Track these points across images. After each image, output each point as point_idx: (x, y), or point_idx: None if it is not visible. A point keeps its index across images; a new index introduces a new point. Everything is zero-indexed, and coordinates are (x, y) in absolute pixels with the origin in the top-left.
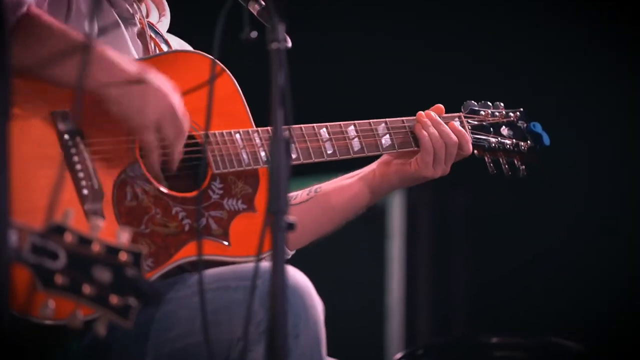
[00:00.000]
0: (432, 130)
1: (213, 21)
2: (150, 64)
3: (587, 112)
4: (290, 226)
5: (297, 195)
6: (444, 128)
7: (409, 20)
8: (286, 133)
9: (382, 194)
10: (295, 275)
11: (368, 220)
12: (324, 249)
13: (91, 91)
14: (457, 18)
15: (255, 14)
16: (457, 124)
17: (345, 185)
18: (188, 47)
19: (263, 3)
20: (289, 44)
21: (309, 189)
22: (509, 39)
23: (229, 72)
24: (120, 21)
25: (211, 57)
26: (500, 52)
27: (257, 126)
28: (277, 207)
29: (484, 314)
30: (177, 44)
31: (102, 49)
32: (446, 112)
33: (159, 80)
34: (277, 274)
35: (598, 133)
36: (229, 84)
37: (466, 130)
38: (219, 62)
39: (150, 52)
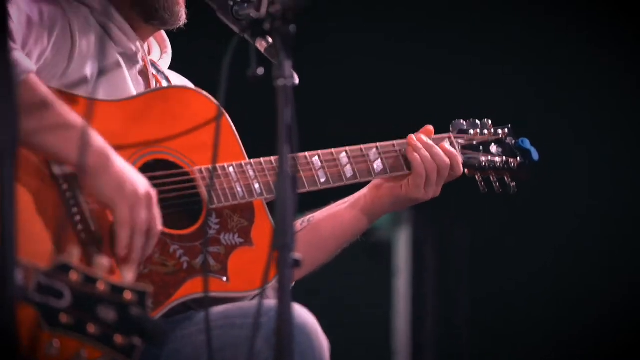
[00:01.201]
0: (424, 152)
1: (220, 58)
2: (149, 98)
3: (587, 113)
4: (297, 262)
5: None
6: (436, 150)
7: (394, 39)
8: (292, 169)
9: (375, 218)
10: (302, 313)
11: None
12: (330, 286)
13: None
14: (454, 19)
15: (262, 50)
16: (447, 144)
17: (337, 213)
18: (189, 84)
19: (270, 40)
20: (296, 81)
21: (301, 219)
22: (507, 39)
23: (223, 109)
24: (121, 61)
25: (211, 97)
26: (497, 53)
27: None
28: (283, 243)
29: (490, 350)
30: (179, 81)
31: (86, 130)
32: (436, 128)
33: (138, 178)
34: (283, 312)
35: (599, 138)
36: (224, 122)
37: (456, 151)
38: (214, 99)
39: (152, 88)
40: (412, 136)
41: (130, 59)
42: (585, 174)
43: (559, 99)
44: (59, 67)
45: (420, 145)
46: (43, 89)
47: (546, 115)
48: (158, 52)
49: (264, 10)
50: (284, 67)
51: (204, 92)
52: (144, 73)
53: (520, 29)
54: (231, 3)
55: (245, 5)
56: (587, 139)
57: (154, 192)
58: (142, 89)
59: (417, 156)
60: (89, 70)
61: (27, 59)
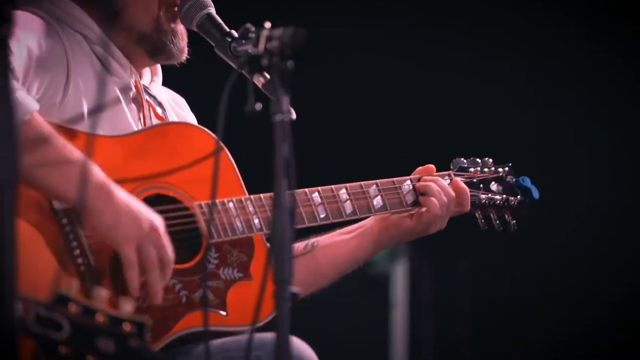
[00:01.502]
0: (434, 187)
1: (218, 93)
2: (149, 134)
3: (587, 110)
4: (294, 296)
5: (294, 247)
6: (444, 185)
7: (392, 35)
8: (290, 202)
9: (380, 250)
10: (300, 346)
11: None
12: (328, 319)
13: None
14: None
15: (260, 86)
16: (447, 180)
17: (343, 241)
18: (181, 101)
19: (268, 76)
20: (293, 116)
21: (306, 241)
22: (506, 36)
23: (222, 144)
24: (120, 95)
25: (210, 132)
26: (496, 49)
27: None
28: (281, 276)
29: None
30: (170, 97)
31: (87, 166)
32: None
33: (142, 210)
34: (282, 345)
35: (599, 136)
36: (223, 157)
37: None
38: (212, 134)
39: (145, 116)
40: (427, 178)
41: (124, 87)
42: (585, 173)
43: (558, 96)
44: (55, 98)
45: (435, 188)
46: (45, 127)
47: (545, 113)
48: (149, 77)
49: (261, 46)
50: (281, 102)
51: (203, 128)
52: (136, 100)
53: (520, 26)
54: (229, 39)
55: (243, 41)
56: (587, 138)
57: (160, 222)
58: (135, 116)
59: (435, 200)
60: (85, 103)
61: (29, 98)
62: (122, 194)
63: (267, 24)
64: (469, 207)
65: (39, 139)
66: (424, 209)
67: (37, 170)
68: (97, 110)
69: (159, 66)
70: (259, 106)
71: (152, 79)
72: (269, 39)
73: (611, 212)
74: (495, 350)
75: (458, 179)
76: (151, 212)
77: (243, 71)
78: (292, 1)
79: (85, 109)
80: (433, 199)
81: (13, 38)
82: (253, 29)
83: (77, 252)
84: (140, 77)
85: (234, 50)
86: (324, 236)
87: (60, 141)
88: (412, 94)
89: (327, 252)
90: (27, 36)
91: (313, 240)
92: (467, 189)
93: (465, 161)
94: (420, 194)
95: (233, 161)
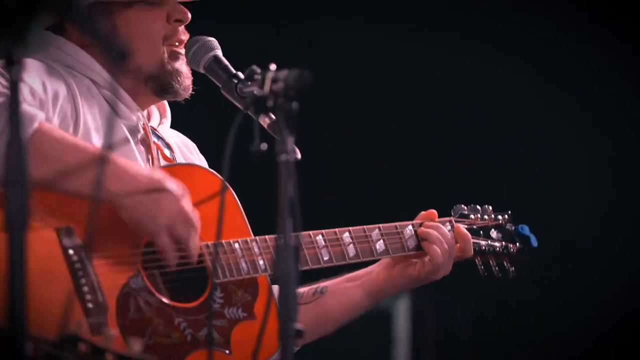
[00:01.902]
0: (436, 234)
1: (225, 134)
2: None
3: (587, 113)
4: (299, 333)
5: (304, 293)
6: (445, 232)
7: (393, 39)
8: (295, 241)
9: (386, 296)
10: None
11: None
12: (330, 356)
13: (104, 200)
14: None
15: (265, 126)
16: (448, 226)
17: (349, 288)
18: (190, 144)
19: (273, 117)
20: (298, 156)
21: (315, 287)
22: (507, 39)
23: (230, 187)
24: (129, 135)
25: (215, 173)
26: (497, 53)
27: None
28: (285, 314)
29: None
30: (180, 140)
31: (113, 159)
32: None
33: (169, 183)
34: None
35: (599, 137)
36: (229, 197)
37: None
38: (218, 175)
39: (153, 157)
40: (428, 224)
41: (132, 129)
42: (585, 174)
43: (558, 98)
44: None
45: (432, 227)
46: (58, 132)
47: (546, 115)
48: (158, 118)
49: (267, 88)
50: (286, 142)
51: (209, 169)
52: (144, 141)
53: (521, 29)
54: (235, 81)
55: (249, 83)
56: (587, 139)
57: (179, 191)
58: (144, 157)
59: (431, 237)
60: (95, 143)
61: (33, 108)
62: (142, 179)
63: (273, 66)
64: (472, 253)
65: (55, 145)
66: (427, 258)
67: (60, 177)
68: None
69: (168, 109)
70: (264, 146)
71: (160, 121)
72: (274, 80)
73: (611, 212)
74: (499, 334)
75: (446, 226)
76: (173, 185)
77: (249, 112)
78: (294, 7)
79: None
80: (435, 247)
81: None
82: (259, 70)
83: (86, 289)
84: (149, 119)
85: (240, 91)
86: (332, 281)
87: (75, 143)
88: (412, 95)
89: (336, 299)
90: (31, 78)
91: (322, 285)
92: (469, 235)
93: (465, 208)
94: (422, 240)
95: (239, 202)
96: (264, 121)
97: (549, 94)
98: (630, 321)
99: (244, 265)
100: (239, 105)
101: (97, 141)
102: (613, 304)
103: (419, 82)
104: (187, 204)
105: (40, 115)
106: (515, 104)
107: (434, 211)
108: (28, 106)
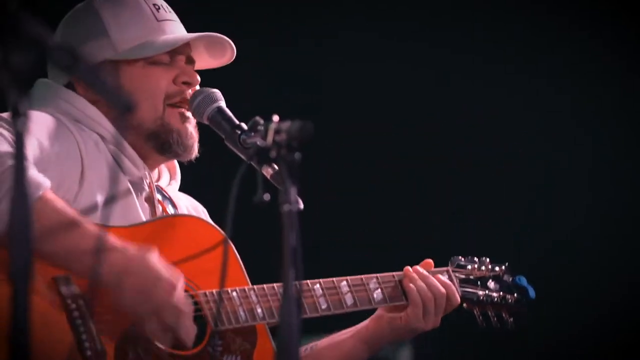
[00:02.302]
0: (420, 283)
1: (228, 184)
2: (157, 225)
3: (588, 112)
4: None
5: None
6: (431, 281)
7: (395, 39)
8: (297, 292)
9: (376, 349)
10: None
11: None
12: None
13: (89, 278)
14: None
15: (268, 177)
16: (445, 277)
17: (340, 342)
18: (199, 206)
19: (276, 167)
20: (301, 206)
21: (305, 346)
22: (508, 38)
23: (223, 232)
24: (131, 188)
25: (215, 225)
26: (499, 52)
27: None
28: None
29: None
30: (189, 203)
31: (110, 242)
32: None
33: (162, 271)
34: None
35: (599, 137)
36: (228, 248)
37: (454, 283)
38: (218, 228)
39: (156, 213)
40: (409, 268)
41: (137, 186)
42: (585, 173)
43: (559, 98)
44: (71, 192)
45: (416, 276)
46: (59, 204)
47: (546, 115)
48: (167, 178)
49: (270, 139)
50: (289, 193)
51: (210, 221)
52: (149, 199)
53: (523, 28)
54: (239, 132)
55: (252, 134)
56: (587, 139)
57: (175, 292)
58: (147, 215)
59: (413, 286)
60: (99, 196)
61: (41, 175)
62: (134, 264)
63: (275, 117)
64: (457, 301)
65: (55, 218)
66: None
67: (55, 247)
68: (109, 202)
69: (178, 170)
70: (267, 197)
71: (170, 182)
72: (277, 131)
73: (611, 212)
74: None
75: (443, 276)
76: (163, 270)
77: (252, 162)
78: (295, 6)
79: (99, 203)
80: (412, 285)
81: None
82: (262, 122)
83: (85, 336)
84: (159, 178)
85: (244, 142)
86: (322, 340)
87: (75, 219)
88: (412, 95)
89: (326, 354)
90: (38, 131)
91: (312, 344)
92: (450, 283)
93: (462, 259)
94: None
95: (237, 253)
96: (267, 172)
97: (549, 94)
98: (630, 321)
99: (242, 313)
100: (242, 156)
101: (100, 199)
102: (613, 304)
103: (419, 82)
104: (179, 293)
105: (46, 184)
106: (515, 104)
107: (430, 261)
108: (36, 172)
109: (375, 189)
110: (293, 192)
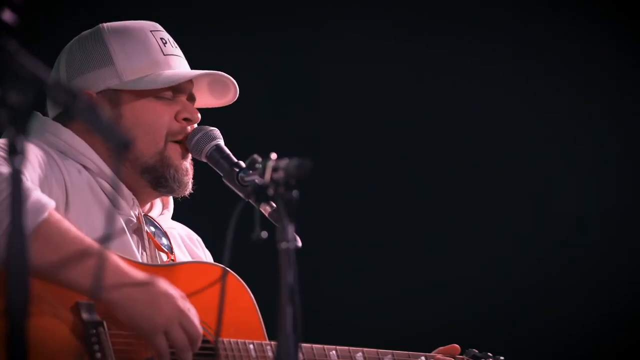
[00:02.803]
0: None
1: (226, 222)
2: (162, 273)
3: (588, 113)
4: None
5: None
6: None
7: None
8: (295, 335)
9: None
10: None
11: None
12: None
13: (98, 297)
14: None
15: (266, 215)
16: None
17: None
18: (195, 237)
19: (274, 205)
20: (299, 244)
21: None
22: (507, 38)
23: (246, 286)
24: (125, 227)
25: (222, 266)
26: (497, 52)
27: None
28: None
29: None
30: (184, 233)
31: (111, 257)
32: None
33: (166, 285)
34: None
35: (600, 137)
36: (246, 297)
37: None
38: (237, 276)
39: (145, 246)
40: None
41: (127, 220)
42: (585, 173)
43: (559, 98)
44: None
45: None
46: (65, 224)
47: (546, 115)
48: (159, 209)
49: (267, 177)
50: (287, 230)
51: (210, 262)
52: (138, 230)
53: (521, 28)
54: (237, 170)
55: (250, 172)
56: (587, 139)
57: (180, 296)
58: (136, 245)
59: None
60: (83, 225)
61: (45, 196)
62: (140, 279)
63: (273, 155)
64: None
65: (61, 237)
66: None
67: (60, 268)
68: (105, 241)
69: (171, 200)
70: (265, 234)
71: (162, 211)
72: (274, 169)
73: (611, 212)
74: (494, 314)
75: None
76: (171, 287)
77: (250, 200)
78: (293, 6)
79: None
80: None
81: None
82: (260, 159)
83: (97, 348)
84: (151, 209)
85: (242, 180)
86: None
87: (80, 236)
88: (411, 95)
89: None
90: (30, 161)
91: None
92: None
93: (477, 352)
94: None
95: (255, 303)
96: (265, 209)
97: (548, 94)
98: (630, 321)
99: None
100: (240, 194)
101: (85, 230)
102: (613, 304)
103: (418, 81)
104: (186, 306)
105: (51, 205)
106: (515, 104)
107: (457, 346)
108: (39, 193)
109: (374, 189)
110: (291, 229)
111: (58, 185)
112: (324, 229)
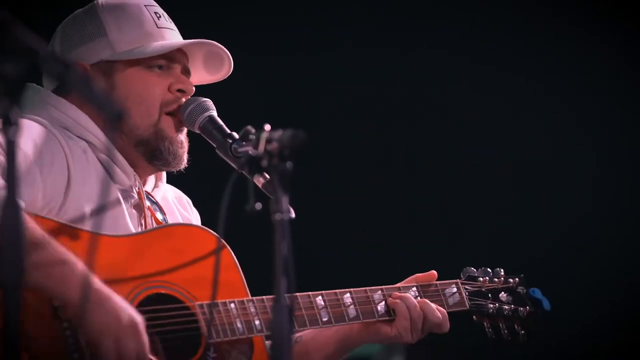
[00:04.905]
0: (406, 312)
1: (219, 194)
2: (153, 235)
3: (588, 113)
4: None
5: None
6: (427, 306)
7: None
8: (289, 301)
9: (357, 345)
10: None
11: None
12: None
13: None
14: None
15: (260, 186)
16: (454, 289)
17: (322, 337)
18: (184, 198)
19: (268, 176)
20: (292, 215)
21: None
22: (507, 37)
23: (228, 246)
24: (121, 198)
25: (212, 232)
26: (498, 52)
27: (261, 294)
28: None
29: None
30: (175, 195)
31: (73, 263)
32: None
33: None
34: None
35: (600, 137)
36: (227, 256)
37: (463, 296)
38: (220, 238)
39: (146, 221)
40: (397, 296)
41: (126, 194)
42: (585, 173)
43: (559, 98)
44: (55, 202)
45: (401, 306)
46: (31, 225)
47: (546, 115)
48: (152, 183)
49: (261, 148)
50: (280, 202)
51: (206, 228)
52: (138, 206)
53: (521, 28)
54: (230, 141)
55: (244, 143)
56: (587, 138)
57: (139, 319)
58: (136, 222)
59: (402, 319)
60: (87, 206)
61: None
62: (103, 291)
63: (267, 126)
64: (447, 329)
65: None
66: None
67: (31, 271)
68: (98, 212)
69: (163, 175)
70: (259, 206)
71: (156, 184)
72: (268, 140)
73: (611, 212)
74: None
75: (452, 288)
76: (132, 309)
77: (243, 172)
78: (292, 5)
79: (87, 213)
80: (400, 316)
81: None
82: (253, 131)
83: (73, 347)
84: (144, 183)
85: (235, 151)
86: (306, 331)
87: (50, 242)
88: (411, 94)
89: (314, 343)
90: (24, 142)
91: (297, 335)
92: (444, 311)
93: (475, 271)
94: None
95: (236, 261)
96: (259, 181)
97: (548, 94)
98: (630, 321)
99: (239, 325)
100: (233, 165)
101: (88, 209)
102: (613, 304)
103: (418, 80)
104: (145, 339)
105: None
106: (515, 104)
107: (434, 272)
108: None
109: (374, 188)
110: (285, 201)
111: (58, 168)
112: (323, 229)
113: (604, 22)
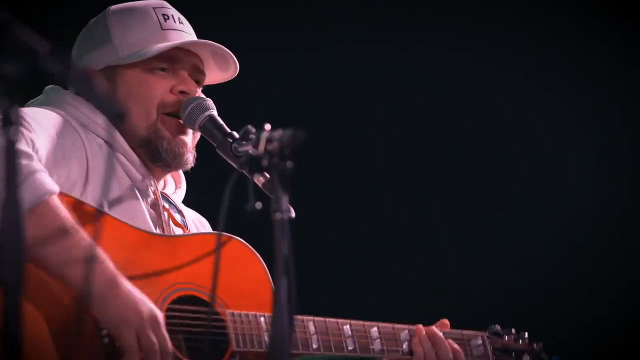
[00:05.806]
0: (427, 345)
1: (220, 193)
2: (190, 240)
3: (588, 112)
4: None
5: None
6: (440, 343)
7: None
8: (289, 302)
9: None
10: None
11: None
12: None
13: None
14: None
15: (260, 185)
16: (479, 341)
17: None
18: (204, 221)
19: (268, 176)
20: (292, 214)
21: None
22: (506, 37)
23: (261, 258)
24: (136, 191)
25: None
26: (497, 51)
27: None
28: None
29: None
30: (195, 217)
31: (100, 256)
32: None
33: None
34: None
35: (600, 137)
36: (259, 269)
37: (487, 350)
38: (251, 247)
39: (163, 221)
40: (421, 327)
41: (143, 192)
42: (585, 172)
43: (559, 97)
44: (76, 191)
45: (425, 336)
46: (63, 213)
47: (546, 114)
48: (172, 187)
49: (262, 147)
50: (281, 201)
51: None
52: (155, 206)
53: (520, 26)
54: (230, 140)
55: (244, 142)
56: (587, 138)
57: (159, 314)
58: (154, 221)
59: (421, 349)
60: (102, 199)
61: (51, 181)
62: (126, 285)
63: (267, 126)
64: None
65: (56, 226)
66: None
67: (51, 258)
68: (115, 204)
69: (183, 179)
70: (259, 205)
71: (175, 190)
72: (268, 140)
73: (611, 212)
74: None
75: (477, 340)
76: (152, 305)
77: (244, 171)
78: (292, 5)
79: (103, 206)
80: (420, 347)
81: (39, 126)
82: (253, 130)
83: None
84: (165, 186)
85: (235, 150)
86: None
87: (76, 230)
88: (410, 95)
89: None
90: (50, 127)
91: None
92: (460, 350)
93: (500, 329)
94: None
95: (268, 274)
96: (259, 180)
97: (547, 92)
98: (630, 320)
99: (266, 339)
100: (233, 165)
101: (103, 202)
102: (613, 304)
103: (417, 79)
104: (166, 333)
105: (54, 190)
106: (514, 101)
107: (446, 321)
108: (47, 177)
109: (373, 186)
110: (285, 200)
111: (78, 161)
112: (323, 228)
113: (603, 20)
